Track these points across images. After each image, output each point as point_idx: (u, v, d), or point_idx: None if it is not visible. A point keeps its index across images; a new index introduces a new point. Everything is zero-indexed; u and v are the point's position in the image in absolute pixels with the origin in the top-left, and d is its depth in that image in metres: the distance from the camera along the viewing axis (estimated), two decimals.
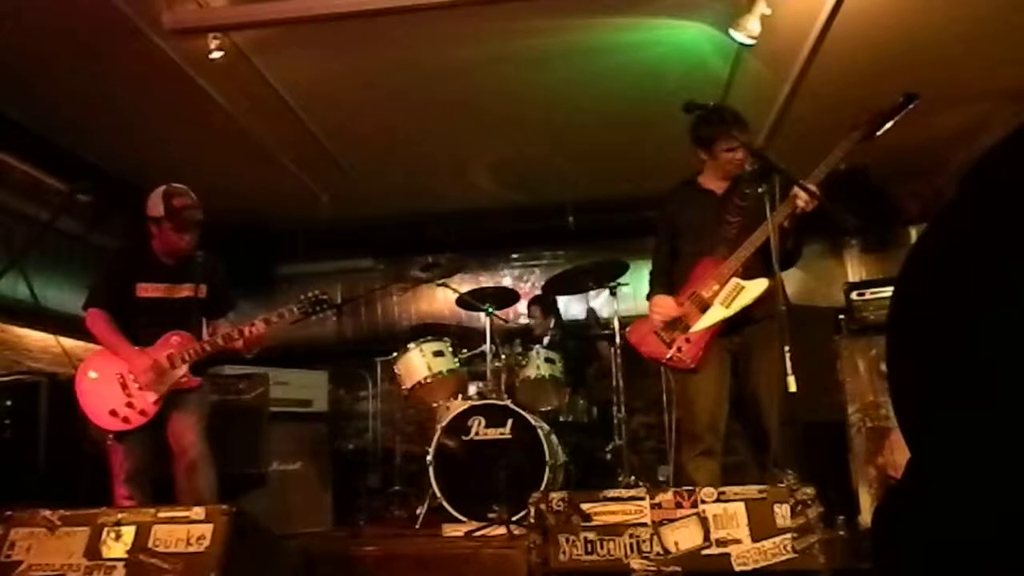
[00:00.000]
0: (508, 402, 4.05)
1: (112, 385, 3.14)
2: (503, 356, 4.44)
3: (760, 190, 3.00)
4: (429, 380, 4.28)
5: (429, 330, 4.85)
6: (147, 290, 3.26)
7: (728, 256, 3.04)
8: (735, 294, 3.00)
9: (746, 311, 3.01)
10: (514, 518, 3.51)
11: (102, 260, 3.58)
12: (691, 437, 3.10)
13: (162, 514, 2.34)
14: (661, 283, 3.31)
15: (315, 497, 4.82)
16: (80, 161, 4.83)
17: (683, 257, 3.26)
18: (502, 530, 3.46)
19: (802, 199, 2.83)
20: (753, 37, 3.62)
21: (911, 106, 2.82)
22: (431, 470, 3.90)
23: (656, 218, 3.42)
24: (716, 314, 3.03)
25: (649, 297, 3.32)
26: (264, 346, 3.32)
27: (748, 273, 3.02)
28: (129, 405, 3.11)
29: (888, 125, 2.84)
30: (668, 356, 3.10)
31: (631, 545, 2.12)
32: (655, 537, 2.11)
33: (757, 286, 2.99)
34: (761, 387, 2.98)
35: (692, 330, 3.06)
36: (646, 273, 3.44)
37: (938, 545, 0.92)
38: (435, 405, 4.43)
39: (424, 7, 3.45)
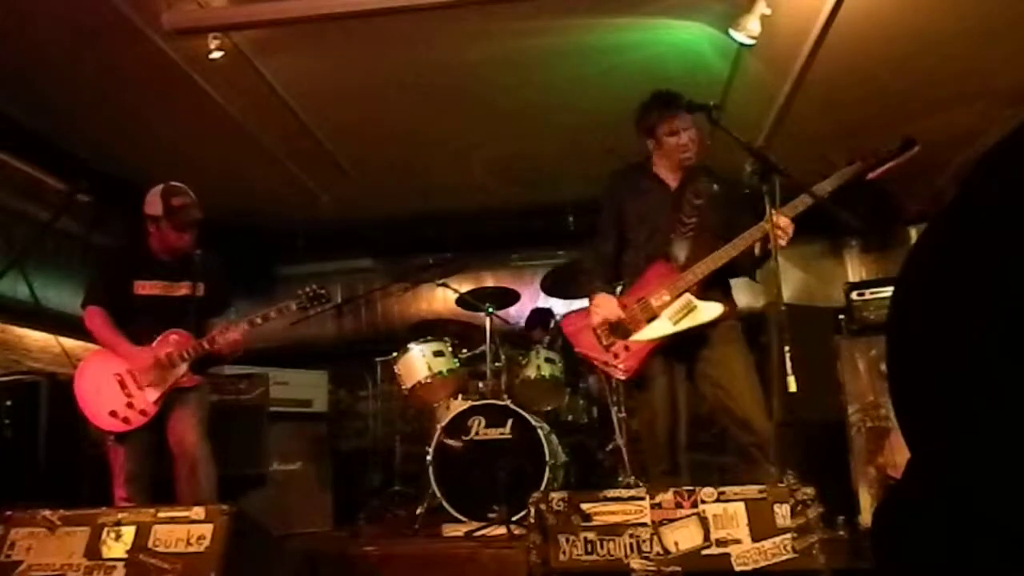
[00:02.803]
0: (508, 402, 4.05)
1: (111, 386, 3.13)
2: (503, 356, 4.44)
3: (715, 188, 2.91)
4: (429, 380, 4.27)
5: (429, 329, 4.85)
6: (145, 288, 3.25)
7: (683, 263, 2.87)
8: (685, 312, 2.83)
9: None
10: (514, 518, 3.51)
11: (99, 258, 3.58)
12: (653, 455, 2.96)
13: (162, 514, 2.34)
14: (603, 276, 3.06)
15: (315, 497, 4.81)
16: (80, 161, 4.83)
17: (631, 250, 3.05)
18: (502, 530, 3.46)
19: (781, 232, 2.67)
20: (753, 37, 3.62)
21: (910, 152, 2.70)
22: (431, 470, 3.90)
23: (601, 198, 3.17)
24: (662, 328, 2.85)
25: (589, 289, 3.06)
26: (246, 347, 3.29)
27: (705, 291, 2.85)
28: (129, 405, 3.11)
29: (883, 169, 2.71)
30: (603, 360, 2.91)
31: (631, 545, 2.11)
32: (655, 537, 2.11)
33: (710, 310, 2.83)
34: (724, 380, 2.82)
35: (633, 338, 2.87)
36: None
37: (937, 545, 0.92)
38: (435, 405, 4.43)
39: (424, 7, 3.44)
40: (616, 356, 2.88)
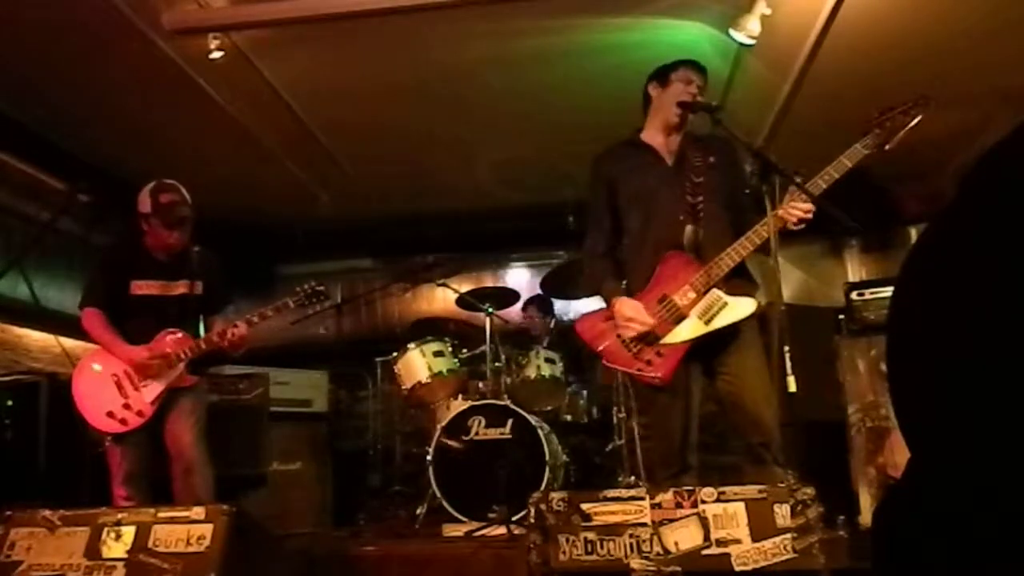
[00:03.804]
0: (508, 402, 4.05)
1: (108, 387, 3.13)
2: (503, 356, 4.44)
3: (711, 159, 2.78)
4: (429, 380, 4.28)
5: (429, 329, 4.85)
6: (141, 287, 3.23)
7: (700, 253, 2.69)
8: (717, 309, 2.65)
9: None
10: (514, 518, 3.51)
11: (96, 259, 3.58)
12: (664, 458, 2.79)
13: (162, 514, 2.34)
14: (611, 271, 2.84)
15: (315, 497, 4.82)
16: (80, 161, 4.83)
17: (631, 238, 2.84)
18: (502, 530, 3.46)
19: (793, 217, 2.56)
20: (753, 37, 3.63)
21: (925, 109, 2.56)
22: (431, 470, 3.90)
23: (589, 186, 2.96)
24: (694, 328, 2.66)
25: (600, 289, 2.85)
26: (250, 344, 3.27)
27: (730, 283, 2.67)
28: (126, 407, 3.10)
29: (902, 135, 2.56)
30: (636, 368, 2.70)
31: (631, 545, 2.11)
32: (655, 537, 2.10)
33: (744, 306, 2.64)
34: (738, 377, 2.69)
35: (664, 342, 2.67)
36: None
37: (938, 545, 0.92)
38: (435, 405, 4.43)
39: (423, 7, 3.45)
40: (650, 363, 2.67)
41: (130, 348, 3.16)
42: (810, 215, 2.58)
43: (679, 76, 2.85)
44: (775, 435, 2.65)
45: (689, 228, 2.73)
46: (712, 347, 2.73)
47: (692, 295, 2.66)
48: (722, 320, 2.65)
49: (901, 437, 0.96)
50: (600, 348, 2.79)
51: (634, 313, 2.70)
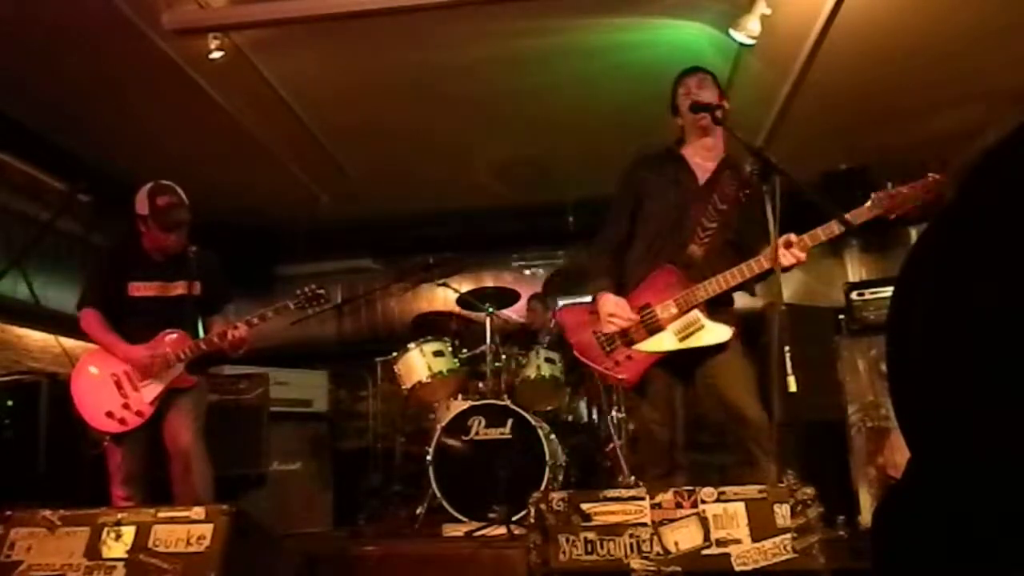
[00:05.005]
0: (508, 402, 4.05)
1: (108, 386, 3.12)
2: (503, 356, 4.44)
3: (742, 195, 2.76)
4: (429, 380, 4.27)
5: (429, 328, 4.85)
6: (139, 289, 3.22)
7: (693, 273, 2.71)
8: (693, 330, 2.69)
9: None
10: (514, 518, 3.51)
11: (93, 259, 3.56)
12: (652, 460, 2.85)
13: (162, 514, 2.34)
14: (608, 270, 2.87)
15: (315, 497, 4.82)
16: (80, 161, 4.83)
17: (637, 243, 2.87)
18: (502, 530, 3.46)
19: (787, 262, 2.60)
20: (753, 37, 3.63)
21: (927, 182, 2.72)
22: (431, 470, 3.90)
23: (619, 181, 2.98)
24: (666, 342, 2.71)
25: (592, 285, 2.87)
26: (249, 345, 3.26)
27: (711, 307, 2.70)
28: (125, 406, 3.10)
29: (910, 207, 2.70)
30: (604, 367, 2.76)
31: (631, 545, 2.11)
32: (655, 537, 2.10)
33: (718, 334, 2.69)
34: (719, 377, 2.71)
35: (637, 348, 2.73)
36: None
37: (938, 545, 0.92)
38: (435, 405, 4.43)
39: (424, 7, 3.45)
40: (617, 364, 2.74)
41: (129, 348, 3.15)
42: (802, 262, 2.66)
43: (682, 93, 2.90)
44: (763, 428, 2.63)
45: (691, 247, 2.76)
46: (693, 358, 2.75)
47: (673, 310, 2.71)
48: (696, 341, 2.70)
49: (901, 437, 0.96)
50: (575, 340, 2.85)
51: (617, 309, 2.75)
